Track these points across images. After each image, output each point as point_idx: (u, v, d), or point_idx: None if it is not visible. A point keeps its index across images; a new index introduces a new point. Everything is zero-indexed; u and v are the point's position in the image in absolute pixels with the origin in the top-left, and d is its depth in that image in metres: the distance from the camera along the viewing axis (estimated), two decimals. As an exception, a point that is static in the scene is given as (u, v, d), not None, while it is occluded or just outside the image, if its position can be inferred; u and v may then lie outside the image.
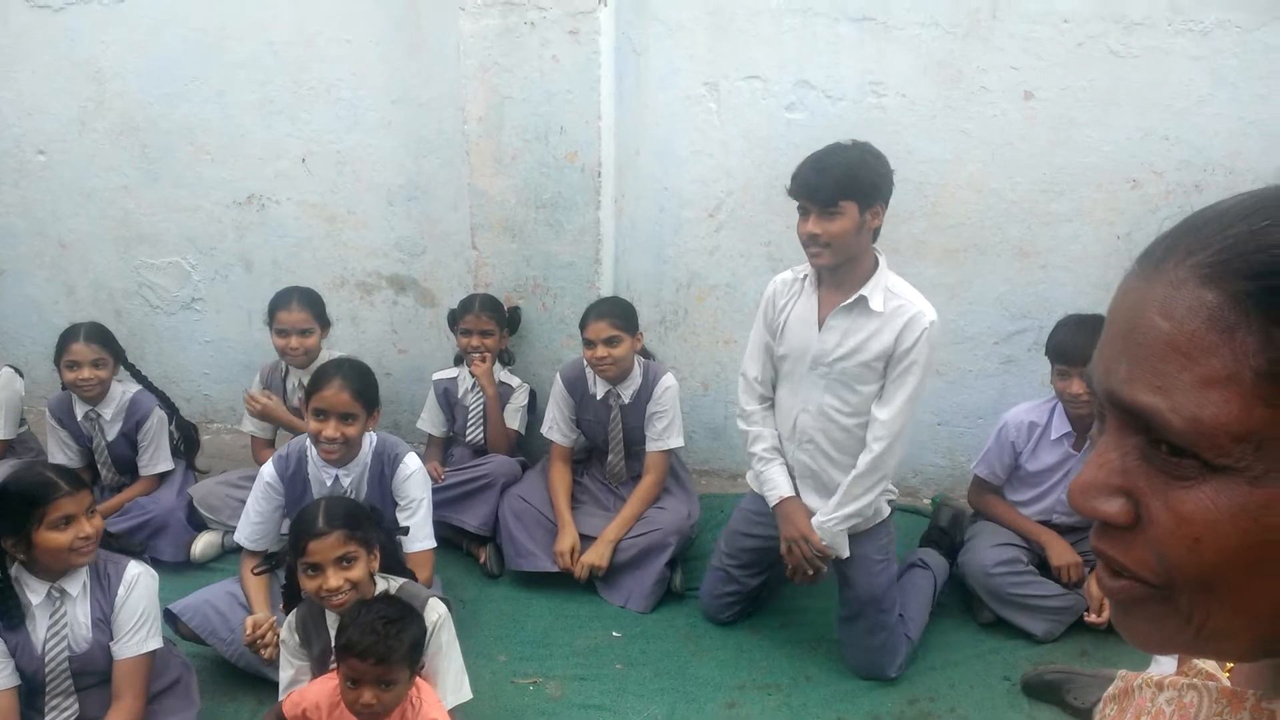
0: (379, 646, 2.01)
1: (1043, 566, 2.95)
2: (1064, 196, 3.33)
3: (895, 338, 2.44)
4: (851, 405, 2.55)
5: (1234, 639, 0.54)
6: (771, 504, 2.71)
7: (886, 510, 2.72)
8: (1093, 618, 2.81)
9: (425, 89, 3.63)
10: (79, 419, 3.33)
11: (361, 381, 2.65)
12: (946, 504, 3.41)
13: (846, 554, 2.65)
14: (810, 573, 2.65)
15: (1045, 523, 3.01)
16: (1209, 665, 0.63)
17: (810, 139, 3.35)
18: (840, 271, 2.48)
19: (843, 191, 2.35)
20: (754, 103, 3.41)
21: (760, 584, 2.96)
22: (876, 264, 2.51)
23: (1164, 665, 2.40)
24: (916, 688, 2.71)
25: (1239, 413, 0.49)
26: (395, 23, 3.59)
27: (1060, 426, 2.95)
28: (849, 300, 2.49)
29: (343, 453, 2.66)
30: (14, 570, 2.22)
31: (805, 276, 2.60)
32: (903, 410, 2.49)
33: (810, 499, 2.70)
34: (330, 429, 2.59)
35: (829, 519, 2.61)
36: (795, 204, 2.47)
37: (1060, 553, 2.92)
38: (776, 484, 2.69)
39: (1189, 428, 0.50)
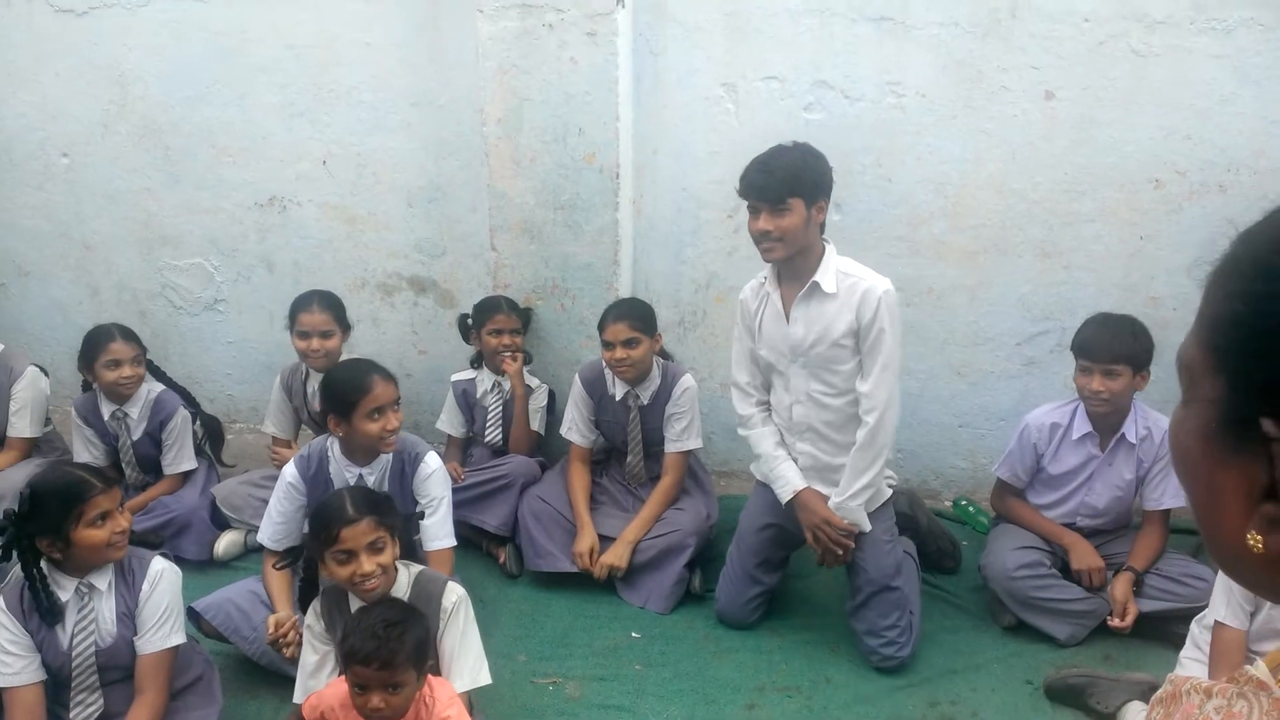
0: (382, 651, 2.03)
1: (1065, 570, 2.93)
2: (1086, 197, 3.31)
3: (855, 314, 2.60)
4: (835, 386, 2.68)
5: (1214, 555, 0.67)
6: (787, 499, 2.79)
7: (888, 491, 2.83)
8: (1116, 622, 2.78)
9: (444, 91, 3.65)
10: (106, 418, 3.36)
11: (388, 371, 2.71)
12: (899, 490, 3.42)
13: (868, 527, 2.74)
14: (840, 553, 2.75)
15: (1070, 526, 2.99)
16: (1260, 673, 0.63)
17: (829, 139, 3.35)
18: (795, 264, 2.64)
19: (790, 190, 2.52)
20: (772, 103, 3.41)
21: (779, 579, 2.98)
22: (825, 252, 2.66)
23: (1188, 668, 2.38)
24: (938, 691, 2.70)
25: (1187, 346, 0.67)
26: (415, 26, 3.61)
27: (1082, 427, 2.93)
28: (804, 289, 2.64)
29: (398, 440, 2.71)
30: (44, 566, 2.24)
31: (765, 279, 2.75)
32: (883, 378, 2.61)
33: (819, 488, 2.77)
34: (392, 420, 2.64)
35: (845, 497, 2.70)
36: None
37: (1082, 556, 2.89)
38: (788, 479, 2.79)
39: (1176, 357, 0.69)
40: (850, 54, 3.31)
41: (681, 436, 3.22)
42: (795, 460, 2.80)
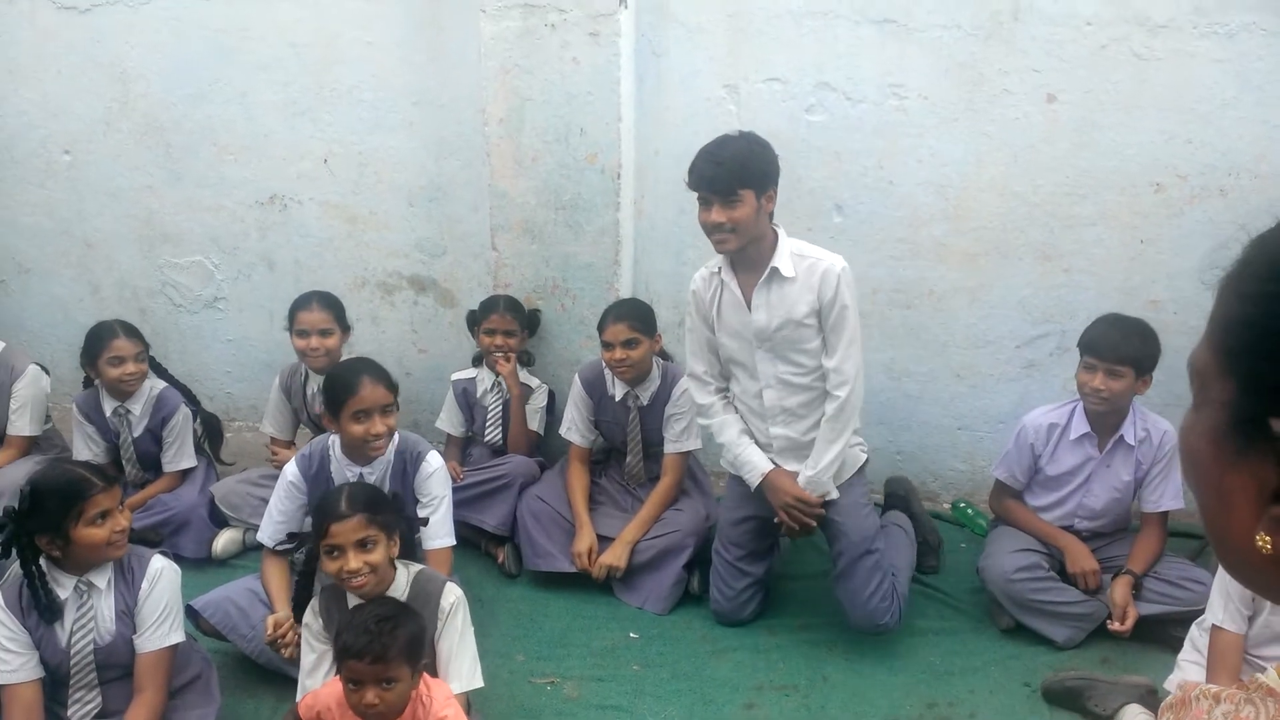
0: (374, 645, 2.03)
1: (1064, 572, 2.93)
2: (1087, 200, 3.31)
3: (816, 294, 2.64)
4: (803, 365, 2.72)
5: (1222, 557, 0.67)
6: (755, 483, 2.82)
7: (863, 457, 2.90)
8: (1115, 625, 2.78)
9: (446, 91, 3.65)
10: (107, 415, 3.36)
11: (384, 372, 2.68)
12: (896, 478, 3.52)
13: (836, 494, 2.79)
14: (810, 525, 2.81)
15: (1068, 528, 2.99)
16: (1270, 680, 0.64)
17: (831, 141, 3.38)
18: (749, 253, 2.66)
19: (740, 181, 2.53)
20: (774, 105, 3.41)
21: (768, 569, 3.00)
22: (777, 237, 2.68)
23: (1187, 672, 2.39)
24: (936, 692, 2.70)
25: (1198, 350, 0.67)
26: (416, 25, 3.61)
27: (1080, 427, 2.93)
28: (764, 276, 2.66)
29: (388, 444, 2.68)
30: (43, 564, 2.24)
31: (719, 269, 2.75)
32: (848, 353, 2.67)
33: (794, 467, 2.81)
34: (377, 425, 2.60)
35: (815, 472, 2.75)
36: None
37: (1077, 558, 2.90)
38: (755, 463, 2.83)
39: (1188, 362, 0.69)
40: (852, 56, 3.31)
41: (680, 437, 3.22)
42: (771, 444, 2.83)
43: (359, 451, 2.67)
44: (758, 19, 3.35)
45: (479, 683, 2.36)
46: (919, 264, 3.47)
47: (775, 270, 2.64)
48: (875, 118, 3.34)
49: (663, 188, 3.57)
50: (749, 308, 2.70)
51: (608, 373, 3.25)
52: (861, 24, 3.29)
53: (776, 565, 3.11)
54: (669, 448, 3.23)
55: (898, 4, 3.24)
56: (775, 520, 2.86)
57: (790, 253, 2.66)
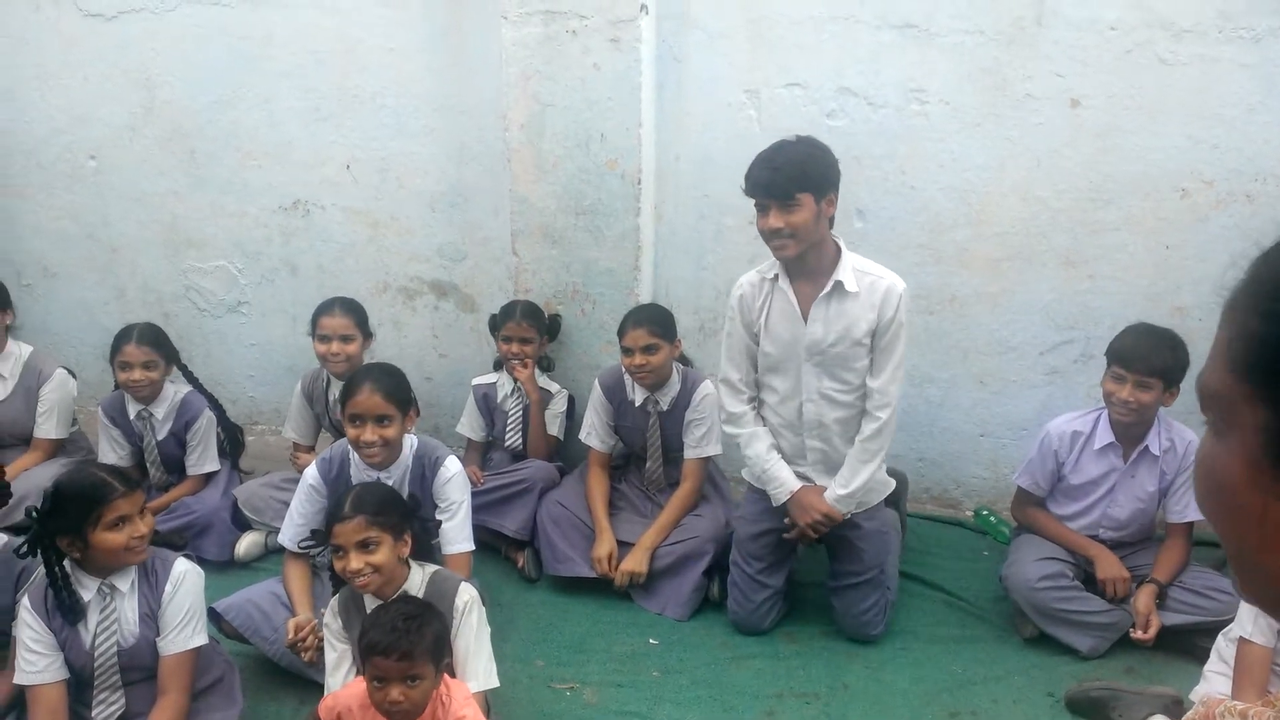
0: (401, 642, 2.06)
1: (1088, 581, 2.90)
2: (1111, 205, 3.28)
3: (877, 312, 2.62)
4: (849, 383, 2.71)
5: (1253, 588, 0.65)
6: (782, 500, 2.83)
7: (892, 484, 2.92)
8: (1138, 634, 2.76)
9: (467, 96, 3.67)
10: (132, 418, 3.40)
11: (392, 383, 2.68)
12: (894, 471, 3.44)
13: (850, 512, 2.80)
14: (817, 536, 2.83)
15: (1092, 538, 2.96)
16: None
17: (852, 146, 3.36)
18: (807, 260, 2.62)
19: (798, 185, 2.50)
20: (795, 110, 3.40)
21: (786, 579, 3.00)
22: (839, 249, 2.66)
23: (1213, 683, 2.36)
24: (958, 701, 2.68)
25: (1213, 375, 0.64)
26: (438, 31, 3.63)
27: (1104, 436, 2.90)
28: (826, 289, 2.64)
29: (384, 455, 2.68)
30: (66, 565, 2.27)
31: (775, 275, 2.71)
32: (895, 376, 2.67)
33: (824, 480, 2.81)
34: (367, 433, 2.62)
35: (847, 491, 2.76)
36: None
37: (1108, 566, 2.87)
38: (783, 480, 2.83)
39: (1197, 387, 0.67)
40: (874, 61, 3.31)
41: (701, 443, 3.21)
42: (805, 456, 2.82)
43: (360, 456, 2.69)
44: (779, 24, 3.35)
45: (495, 682, 2.37)
46: (941, 269, 3.45)
47: (839, 284, 2.61)
48: (897, 122, 3.33)
49: (683, 193, 3.58)
50: (804, 319, 2.67)
51: (627, 378, 3.25)
52: (883, 29, 3.28)
53: (796, 573, 3.10)
54: (689, 453, 3.23)
55: (919, 9, 3.23)
56: (786, 526, 2.86)
57: (853, 268, 2.63)
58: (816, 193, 2.52)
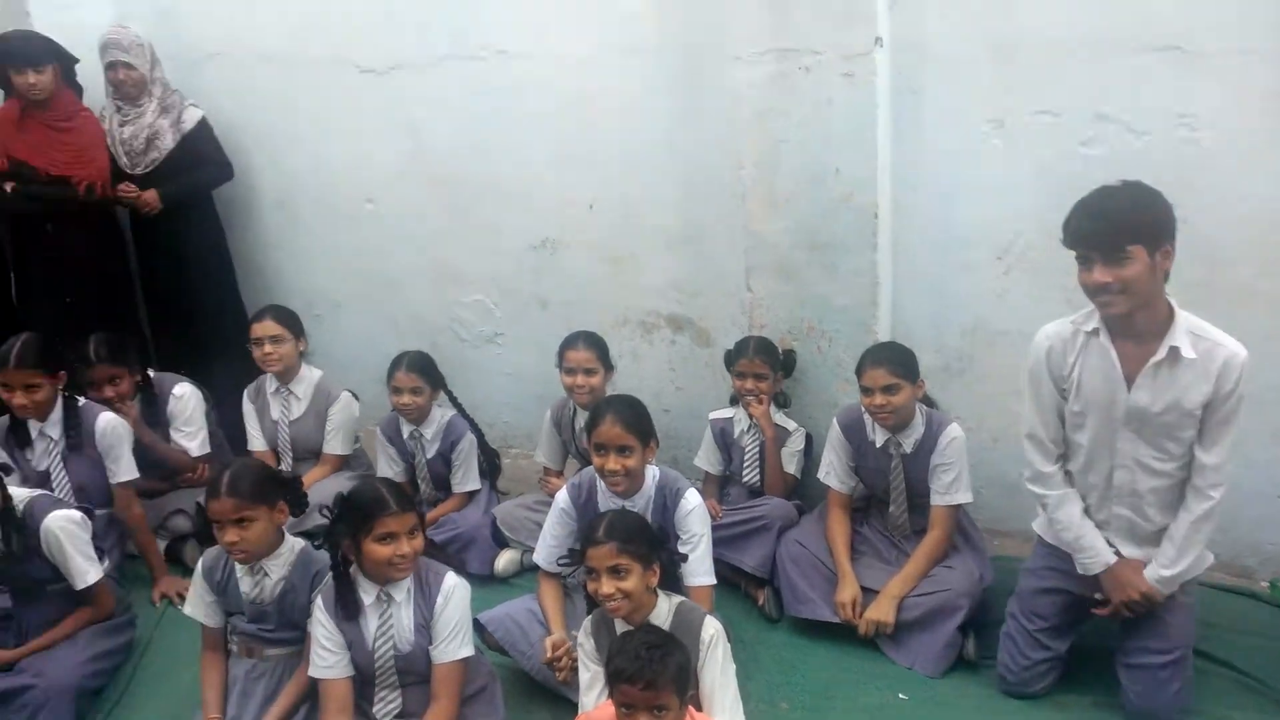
0: (646, 671, 2.11)
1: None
2: None
3: (1214, 384, 2.37)
4: (1171, 453, 2.48)
5: None
6: (1094, 571, 2.61)
7: (1210, 559, 2.64)
8: None
9: (700, 136, 3.75)
10: (405, 438, 3.77)
11: (633, 414, 2.81)
12: None
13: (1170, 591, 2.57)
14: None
15: None
16: None
17: (1111, 176, 3.13)
18: (1136, 320, 2.39)
19: (1129, 236, 2.28)
20: (1045, 138, 3.24)
21: (1070, 647, 2.78)
22: (1171, 308, 2.42)
23: None
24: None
25: None
26: (672, 76, 3.74)
27: None
28: (1160, 355, 2.40)
29: (627, 485, 2.82)
30: (352, 570, 2.54)
31: (1095, 329, 2.49)
32: (1229, 452, 2.44)
33: (1129, 550, 2.59)
34: (611, 462, 2.77)
35: (1172, 573, 2.52)
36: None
37: None
38: (1099, 551, 2.60)
39: None
40: (1133, 85, 3.09)
41: (949, 489, 3.08)
42: (1109, 523, 2.61)
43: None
44: (1025, 49, 3.21)
45: (741, 719, 2.40)
46: (1217, 309, 3.14)
47: (1175, 350, 2.38)
48: (1162, 150, 3.09)
49: (922, 227, 3.49)
50: (1127, 384, 2.46)
51: (867, 418, 3.17)
52: (1141, 51, 3.07)
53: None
54: (936, 500, 3.10)
55: (1183, 30, 2.99)
56: (1096, 600, 2.65)
57: (1188, 330, 2.39)
58: (1150, 244, 2.28)
